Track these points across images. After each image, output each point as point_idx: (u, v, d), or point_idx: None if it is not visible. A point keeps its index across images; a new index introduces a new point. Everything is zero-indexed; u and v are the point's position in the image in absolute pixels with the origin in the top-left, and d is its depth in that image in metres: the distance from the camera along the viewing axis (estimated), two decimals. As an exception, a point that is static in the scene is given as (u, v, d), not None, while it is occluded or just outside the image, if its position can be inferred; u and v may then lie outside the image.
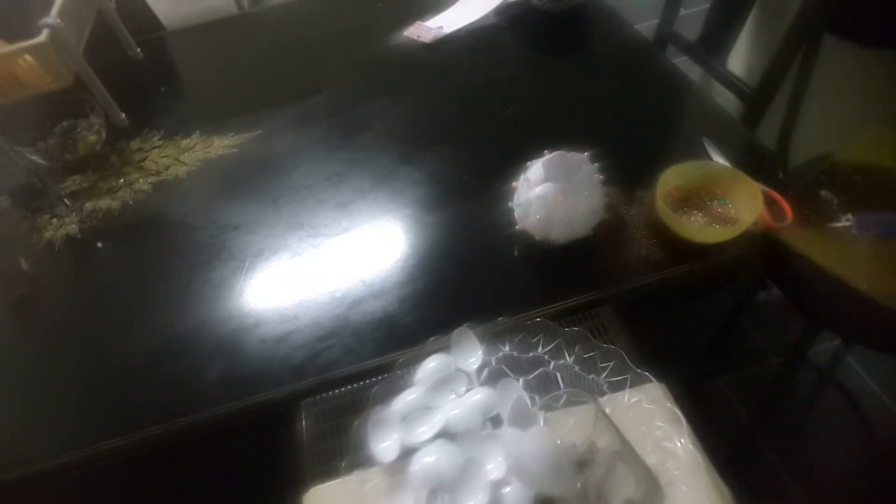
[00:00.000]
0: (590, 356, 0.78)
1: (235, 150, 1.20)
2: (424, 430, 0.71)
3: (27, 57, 1.07)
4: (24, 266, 1.07)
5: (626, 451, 0.62)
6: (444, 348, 0.78)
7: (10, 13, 1.20)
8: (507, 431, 0.68)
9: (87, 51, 1.21)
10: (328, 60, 1.39)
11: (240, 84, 1.40)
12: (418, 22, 1.41)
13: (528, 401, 0.71)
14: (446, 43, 1.36)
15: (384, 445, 0.71)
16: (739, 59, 1.49)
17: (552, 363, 0.78)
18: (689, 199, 0.95)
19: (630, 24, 1.35)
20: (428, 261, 0.95)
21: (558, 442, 0.63)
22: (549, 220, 0.86)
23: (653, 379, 0.74)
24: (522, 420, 0.68)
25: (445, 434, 0.70)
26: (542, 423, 0.69)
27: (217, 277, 0.98)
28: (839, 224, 0.94)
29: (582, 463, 0.61)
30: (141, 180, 1.17)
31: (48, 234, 1.09)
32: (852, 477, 1.36)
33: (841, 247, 0.92)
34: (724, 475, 0.66)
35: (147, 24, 1.57)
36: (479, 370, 0.77)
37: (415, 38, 1.38)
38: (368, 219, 1.03)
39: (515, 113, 1.18)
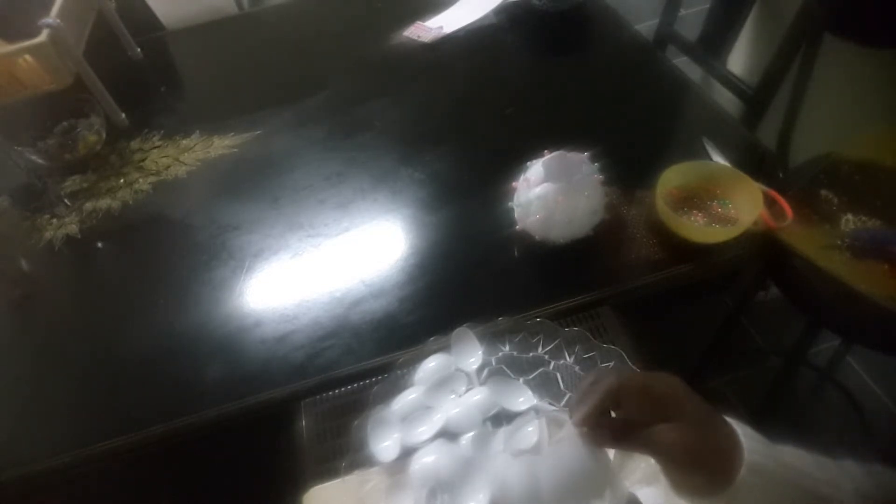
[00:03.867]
0: (590, 356, 0.78)
1: (235, 150, 1.20)
2: (424, 430, 0.71)
3: (27, 57, 1.07)
4: (24, 266, 1.07)
5: None
6: (444, 348, 0.78)
7: (10, 13, 1.20)
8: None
9: (87, 51, 1.21)
10: (328, 60, 1.39)
11: (240, 84, 1.40)
12: (418, 22, 1.41)
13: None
14: (446, 43, 1.36)
15: (384, 445, 0.71)
16: (739, 59, 1.49)
17: (552, 363, 0.78)
18: (689, 199, 0.95)
19: (630, 24, 1.35)
20: (428, 261, 0.95)
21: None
22: (549, 220, 0.86)
23: (653, 379, 0.74)
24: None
25: (445, 434, 0.70)
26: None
27: (217, 277, 0.98)
28: (839, 224, 0.94)
29: None
30: (141, 180, 1.17)
31: (48, 234, 1.09)
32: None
33: (841, 246, 0.92)
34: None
35: (147, 24, 1.57)
36: (479, 370, 0.77)
37: (415, 38, 1.38)
38: (368, 219, 1.03)
39: (515, 113, 1.18)
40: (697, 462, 0.44)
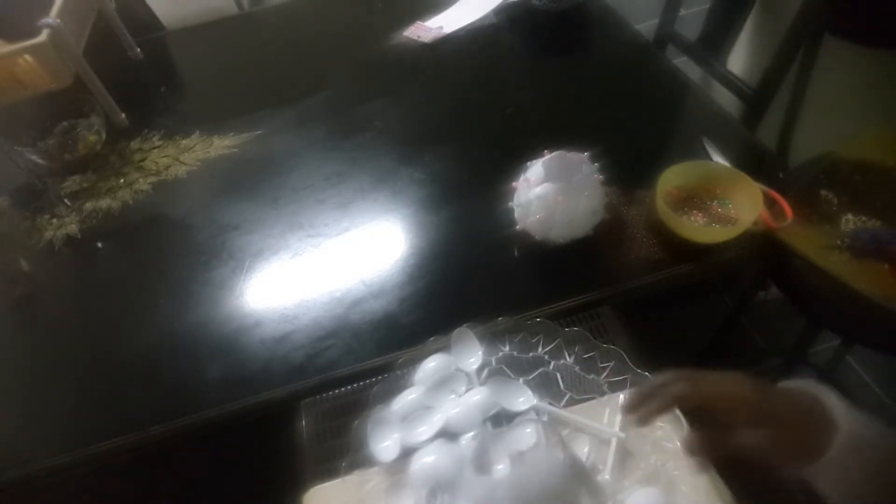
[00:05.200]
0: (590, 356, 0.78)
1: (235, 150, 1.20)
2: (424, 430, 0.71)
3: (27, 57, 1.07)
4: (24, 266, 1.07)
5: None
6: (444, 348, 0.78)
7: (10, 13, 1.20)
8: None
9: (87, 51, 1.21)
10: (328, 60, 1.39)
11: (240, 84, 1.40)
12: (418, 22, 1.41)
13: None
14: (446, 43, 1.36)
15: (384, 445, 0.71)
16: (739, 59, 1.49)
17: (552, 363, 0.78)
18: (689, 199, 0.95)
19: (630, 24, 1.35)
20: (428, 261, 0.95)
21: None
22: (549, 220, 0.86)
23: (653, 379, 0.74)
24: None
25: (445, 434, 0.70)
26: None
27: (217, 277, 0.98)
28: (839, 224, 0.94)
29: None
30: (141, 180, 1.17)
31: (48, 234, 1.09)
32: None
33: (841, 246, 0.92)
34: (723, 475, 0.66)
35: (147, 24, 1.57)
36: (479, 370, 0.77)
37: (415, 38, 1.38)
38: (368, 219, 1.03)
39: (515, 113, 1.18)
40: (789, 453, 0.47)
